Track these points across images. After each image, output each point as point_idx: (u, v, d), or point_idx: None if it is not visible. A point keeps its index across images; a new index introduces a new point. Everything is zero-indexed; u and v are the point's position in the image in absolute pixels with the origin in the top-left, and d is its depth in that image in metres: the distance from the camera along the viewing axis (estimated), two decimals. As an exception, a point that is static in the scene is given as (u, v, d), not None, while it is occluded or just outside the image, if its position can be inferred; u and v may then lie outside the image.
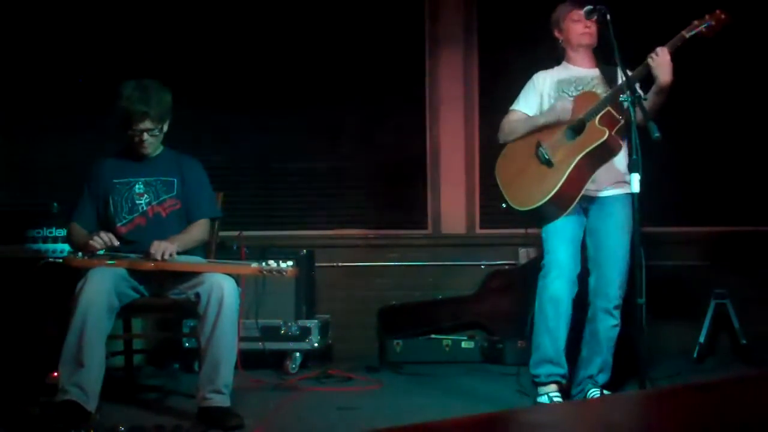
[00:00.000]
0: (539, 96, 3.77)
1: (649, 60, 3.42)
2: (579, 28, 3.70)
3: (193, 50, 5.16)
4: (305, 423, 3.52)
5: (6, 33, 5.13)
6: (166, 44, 5.13)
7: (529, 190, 3.58)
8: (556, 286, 3.60)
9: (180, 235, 3.62)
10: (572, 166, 3.49)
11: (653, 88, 3.50)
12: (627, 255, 3.62)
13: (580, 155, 3.49)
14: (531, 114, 3.75)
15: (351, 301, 5.11)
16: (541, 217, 3.62)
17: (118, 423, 3.23)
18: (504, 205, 3.66)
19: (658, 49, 3.42)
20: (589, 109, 3.52)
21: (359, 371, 4.51)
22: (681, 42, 3.42)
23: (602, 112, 3.49)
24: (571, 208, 3.54)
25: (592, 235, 3.70)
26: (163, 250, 3.44)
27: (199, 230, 3.72)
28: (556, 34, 3.80)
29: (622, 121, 3.49)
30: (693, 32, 3.40)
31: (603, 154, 3.53)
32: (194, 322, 4.00)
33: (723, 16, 3.38)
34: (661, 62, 3.40)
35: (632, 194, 3.14)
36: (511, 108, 3.83)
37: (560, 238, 3.64)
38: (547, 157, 3.57)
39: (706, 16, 3.40)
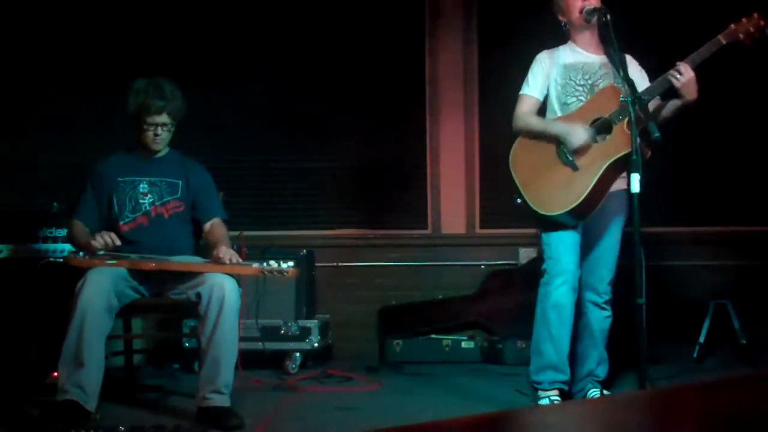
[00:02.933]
0: (546, 77, 3.63)
1: (673, 80, 3.28)
2: (579, 4, 3.55)
3: (193, 50, 5.16)
4: (305, 423, 3.52)
5: (6, 33, 5.13)
6: (166, 44, 5.13)
7: (552, 195, 3.46)
8: (561, 293, 3.51)
9: (225, 241, 3.64)
10: (600, 174, 3.36)
11: (679, 105, 3.40)
12: (619, 251, 3.59)
13: (609, 162, 3.36)
14: (541, 98, 3.63)
15: (351, 301, 5.11)
16: (554, 223, 3.51)
17: (118, 423, 3.22)
18: (518, 200, 3.53)
19: (681, 68, 3.27)
20: (614, 109, 3.37)
21: (359, 371, 4.50)
22: (717, 47, 3.25)
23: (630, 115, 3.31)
24: (588, 218, 3.46)
25: (587, 230, 3.60)
26: (231, 255, 3.46)
27: (225, 231, 3.74)
28: (560, 17, 3.65)
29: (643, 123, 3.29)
30: (731, 39, 3.22)
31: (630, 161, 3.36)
32: (194, 322, 4.01)
33: (762, 22, 3.20)
34: (687, 82, 3.27)
35: (632, 194, 3.12)
36: (522, 93, 3.66)
37: (566, 246, 3.52)
38: (570, 158, 3.43)
39: (743, 20, 3.23)
